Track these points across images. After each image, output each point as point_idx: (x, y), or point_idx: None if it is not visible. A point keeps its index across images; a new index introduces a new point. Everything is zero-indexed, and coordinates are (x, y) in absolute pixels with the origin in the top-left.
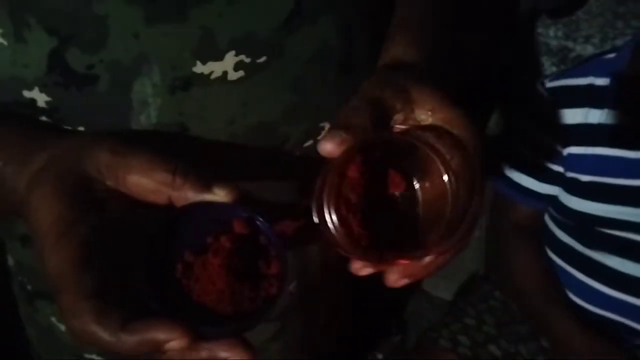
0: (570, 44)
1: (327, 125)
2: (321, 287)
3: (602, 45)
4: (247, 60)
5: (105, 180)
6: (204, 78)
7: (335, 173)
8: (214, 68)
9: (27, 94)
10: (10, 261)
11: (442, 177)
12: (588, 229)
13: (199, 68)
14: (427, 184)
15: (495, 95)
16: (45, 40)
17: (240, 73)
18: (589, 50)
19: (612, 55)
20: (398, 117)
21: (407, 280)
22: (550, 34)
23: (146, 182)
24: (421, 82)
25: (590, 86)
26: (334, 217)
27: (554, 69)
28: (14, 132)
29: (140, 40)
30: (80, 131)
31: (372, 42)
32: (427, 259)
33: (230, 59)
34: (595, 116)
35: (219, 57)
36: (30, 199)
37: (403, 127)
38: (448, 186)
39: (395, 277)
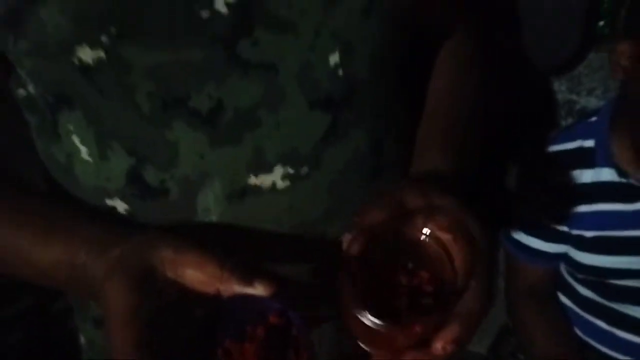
0: (574, 97)
1: None
2: None
3: (605, 97)
4: (292, 171)
5: (166, 272)
6: (257, 188)
7: (353, 262)
8: (265, 180)
9: (109, 202)
10: (82, 340)
11: (447, 268)
12: (602, 281)
13: (252, 180)
14: (432, 273)
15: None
16: (125, 159)
17: (287, 182)
18: (593, 102)
19: (594, 119)
20: (419, 218)
21: None
22: (554, 88)
23: (200, 275)
24: (444, 191)
25: (580, 148)
26: (366, 311)
27: (563, 122)
28: (95, 227)
29: (204, 160)
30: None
31: (400, 148)
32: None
33: (278, 171)
34: (588, 176)
35: (269, 170)
36: (105, 287)
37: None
38: (456, 280)
39: None
